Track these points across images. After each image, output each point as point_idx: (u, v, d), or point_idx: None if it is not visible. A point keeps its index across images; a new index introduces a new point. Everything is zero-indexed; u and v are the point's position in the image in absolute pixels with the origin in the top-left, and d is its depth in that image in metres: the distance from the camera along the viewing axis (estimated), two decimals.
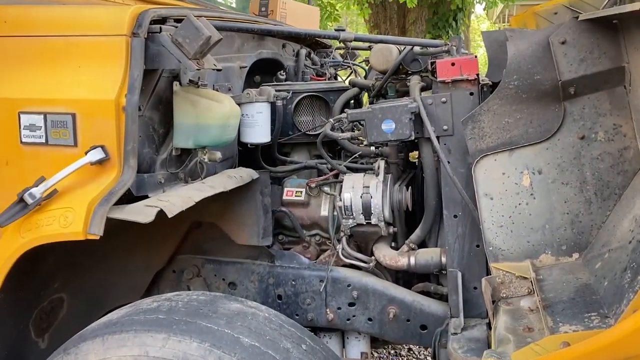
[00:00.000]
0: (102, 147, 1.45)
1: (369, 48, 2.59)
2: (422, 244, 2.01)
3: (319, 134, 2.12)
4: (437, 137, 1.79)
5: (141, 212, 1.38)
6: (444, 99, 1.80)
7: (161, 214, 1.40)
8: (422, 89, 1.96)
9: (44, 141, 1.50)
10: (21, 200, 1.39)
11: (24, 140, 1.52)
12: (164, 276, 2.13)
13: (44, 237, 1.38)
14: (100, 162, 1.45)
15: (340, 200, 1.96)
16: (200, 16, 1.59)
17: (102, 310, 1.89)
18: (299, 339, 1.45)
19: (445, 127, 1.80)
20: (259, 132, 2.02)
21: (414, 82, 1.99)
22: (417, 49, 2.09)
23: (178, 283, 2.12)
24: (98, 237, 1.34)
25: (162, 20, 1.59)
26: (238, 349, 1.33)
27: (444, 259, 1.88)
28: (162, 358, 1.32)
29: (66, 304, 1.86)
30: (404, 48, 2.12)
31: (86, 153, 1.44)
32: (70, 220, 1.36)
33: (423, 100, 1.82)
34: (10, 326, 1.63)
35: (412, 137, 1.81)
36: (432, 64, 1.92)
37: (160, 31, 1.52)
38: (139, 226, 1.38)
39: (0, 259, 1.41)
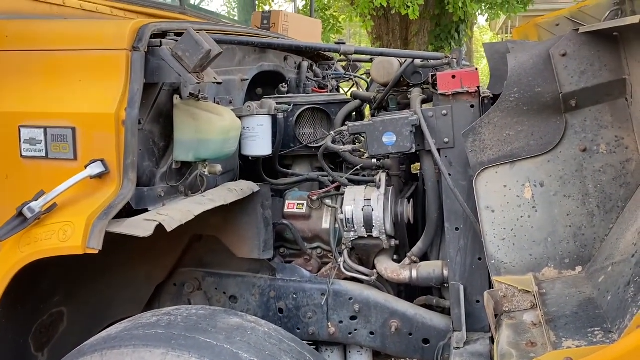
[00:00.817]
0: (102, 160, 1.45)
1: (371, 60, 2.60)
2: (424, 257, 1.99)
3: (321, 146, 2.12)
4: (438, 150, 1.79)
5: (140, 226, 1.37)
6: (444, 112, 1.80)
7: (160, 227, 1.40)
8: (423, 102, 1.96)
9: (44, 155, 1.50)
10: (20, 214, 1.39)
11: (24, 154, 1.52)
12: (165, 290, 2.12)
13: (42, 251, 1.38)
14: (100, 176, 1.45)
15: (342, 212, 1.95)
16: (201, 30, 1.60)
17: (102, 323, 1.88)
18: (299, 354, 1.43)
19: (446, 140, 1.80)
20: (260, 145, 2.01)
21: (415, 94, 1.99)
22: (418, 61, 2.09)
23: (179, 296, 2.11)
24: (97, 252, 1.33)
25: (163, 34, 1.60)
26: None
27: (445, 272, 1.87)
28: None
29: (66, 318, 1.85)
30: (405, 61, 2.12)
31: (86, 167, 1.44)
32: (69, 235, 1.35)
33: (424, 112, 1.81)
34: (10, 341, 1.62)
35: (413, 150, 1.80)
36: (432, 76, 1.92)
37: (161, 45, 1.52)
38: (139, 240, 1.38)
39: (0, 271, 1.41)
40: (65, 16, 1.85)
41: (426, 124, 1.78)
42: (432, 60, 2.06)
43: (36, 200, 1.40)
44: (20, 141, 1.52)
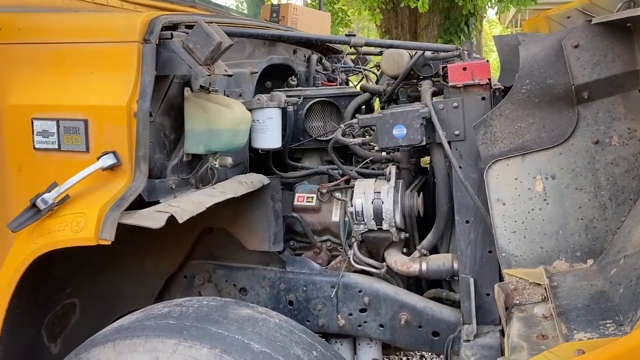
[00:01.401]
0: (114, 152, 1.45)
1: (380, 53, 2.59)
2: (433, 250, 1.99)
3: (330, 139, 2.12)
4: (449, 142, 1.78)
5: (152, 218, 1.38)
6: (455, 104, 1.79)
7: (172, 219, 1.41)
8: (434, 94, 1.95)
9: (56, 147, 1.51)
10: (34, 205, 1.40)
11: (36, 146, 1.53)
12: (176, 282, 2.13)
13: (56, 242, 1.39)
14: (111, 168, 1.45)
15: (352, 205, 1.95)
16: (212, 22, 1.60)
17: (113, 315, 1.90)
18: (309, 345, 1.44)
19: (456, 132, 1.79)
20: (270, 138, 2.02)
21: (426, 87, 1.98)
22: (428, 53, 2.08)
23: (189, 289, 2.12)
24: (109, 243, 1.34)
25: (173, 27, 1.60)
26: (249, 355, 1.32)
27: (455, 265, 1.86)
28: None
29: (78, 309, 1.87)
30: (415, 53, 2.11)
31: (98, 159, 1.45)
32: (82, 226, 1.36)
33: (434, 105, 1.81)
34: (23, 331, 1.64)
35: (424, 143, 1.80)
36: (443, 68, 1.91)
37: (172, 37, 1.53)
38: (150, 231, 1.39)
39: (13, 264, 1.42)
40: (76, 9, 1.86)
41: (437, 116, 1.77)
42: (442, 52, 2.05)
43: (49, 192, 1.41)
44: (33, 133, 1.53)
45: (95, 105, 1.49)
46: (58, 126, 1.50)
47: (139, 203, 1.50)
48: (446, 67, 1.84)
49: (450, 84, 1.79)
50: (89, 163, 1.46)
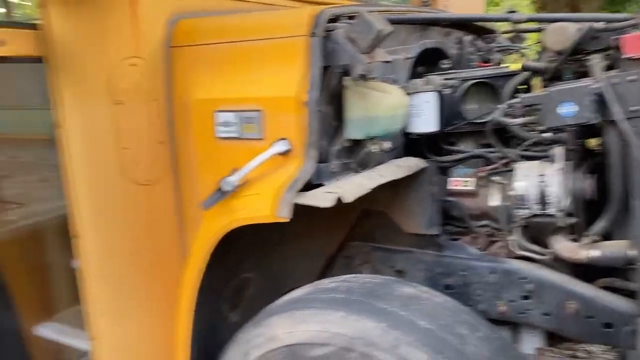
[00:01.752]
0: (286, 139, 1.59)
1: (538, 30, 2.45)
2: (606, 237, 1.86)
3: (487, 122, 2.06)
4: (625, 120, 1.64)
5: (322, 198, 1.48)
6: (632, 77, 1.64)
7: (338, 200, 1.50)
8: (606, 69, 1.81)
9: (237, 136, 1.69)
10: (220, 188, 1.58)
11: (219, 135, 1.72)
12: (336, 262, 2.25)
13: (239, 220, 1.56)
14: (284, 154, 1.59)
15: (513, 189, 1.89)
16: (372, 12, 1.65)
17: (282, 290, 2.06)
18: (474, 326, 1.44)
19: (634, 108, 1.64)
20: (426, 122, 2.03)
21: (596, 60, 1.84)
22: (598, 25, 1.93)
23: (348, 269, 2.22)
24: (287, 220, 1.47)
25: (336, 19, 1.69)
26: (415, 332, 1.37)
27: (631, 253, 1.72)
28: (342, 334, 1.41)
29: (253, 284, 2.07)
30: (582, 25, 1.96)
31: (272, 145, 1.59)
32: (262, 205, 1.51)
33: (607, 79, 1.68)
34: (210, 300, 1.86)
35: (595, 121, 1.68)
36: (616, 39, 1.75)
37: (335, 29, 1.61)
38: (315, 213, 1.49)
39: (205, 239, 1.62)
40: (247, 10, 2.04)
41: (611, 91, 1.64)
42: (615, 23, 1.88)
43: (232, 176, 1.59)
44: (216, 124, 1.72)
45: (268, 97, 1.63)
46: (237, 117, 1.67)
47: (305, 186, 1.62)
48: (620, 38, 1.69)
49: (626, 55, 1.65)
50: (263, 149, 1.61)
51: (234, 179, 1.57)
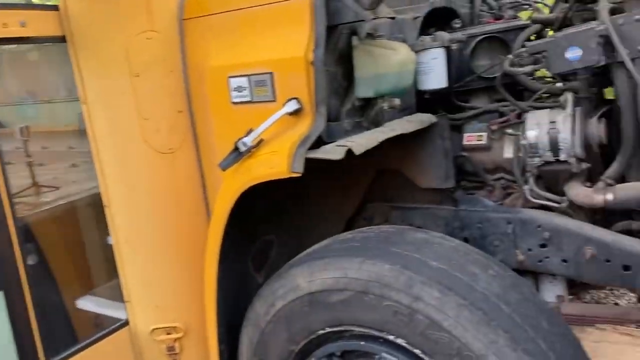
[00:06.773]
0: (297, 99, 1.64)
1: None
2: (620, 180, 1.86)
3: (497, 76, 2.08)
4: (632, 60, 1.64)
5: (333, 151, 1.54)
6: (638, 17, 1.64)
7: (349, 153, 1.55)
8: (613, 13, 1.80)
9: (249, 99, 1.75)
10: (236, 148, 1.66)
11: (234, 100, 1.79)
12: (356, 224, 2.31)
13: (256, 177, 1.63)
14: (295, 112, 1.65)
15: (525, 138, 1.91)
16: None
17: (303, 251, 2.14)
18: (485, 265, 1.49)
19: None
20: (435, 78, 2.06)
21: (603, 3, 1.83)
22: None
23: None
24: (300, 174, 1.53)
25: None
26: (426, 270, 1.42)
27: None
28: (359, 278, 1.48)
29: (275, 246, 2.15)
30: None
31: (284, 105, 1.65)
32: (276, 162, 1.58)
33: (613, 20, 1.67)
34: (235, 260, 1.94)
35: (602, 63, 1.68)
36: None
37: None
38: (332, 173, 1.55)
39: (226, 197, 1.70)
40: None
41: (616, 32, 1.65)
42: None
43: (247, 136, 1.65)
44: (230, 90, 1.79)
45: (277, 59, 1.69)
46: (249, 81, 1.74)
47: (319, 145, 1.68)
48: None
49: None
50: (276, 110, 1.67)
51: (249, 139, 1.64)
